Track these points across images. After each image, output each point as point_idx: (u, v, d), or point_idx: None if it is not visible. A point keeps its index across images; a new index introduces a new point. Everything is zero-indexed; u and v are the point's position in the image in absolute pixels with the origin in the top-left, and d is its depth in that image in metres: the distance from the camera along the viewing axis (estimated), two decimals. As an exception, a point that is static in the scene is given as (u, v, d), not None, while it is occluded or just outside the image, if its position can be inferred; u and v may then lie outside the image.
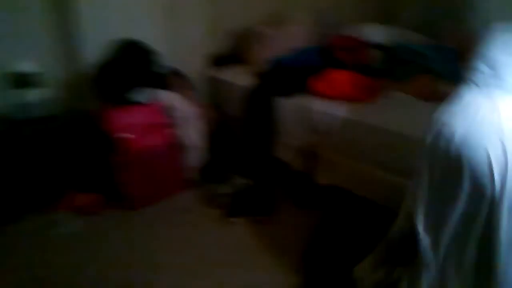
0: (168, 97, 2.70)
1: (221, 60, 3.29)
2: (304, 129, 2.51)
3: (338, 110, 2.37)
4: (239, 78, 3.02)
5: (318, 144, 2.47)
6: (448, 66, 2.50)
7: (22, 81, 2.52)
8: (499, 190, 1.20)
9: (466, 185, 1.25)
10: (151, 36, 2.80)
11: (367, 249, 2.04)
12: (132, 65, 2.65)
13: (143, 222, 2.50)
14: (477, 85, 1.37)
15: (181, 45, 3.02)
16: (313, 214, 2.46)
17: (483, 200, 1.23)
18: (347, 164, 2.37)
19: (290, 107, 2.59)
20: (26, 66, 2.52)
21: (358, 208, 2.26)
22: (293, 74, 2.72)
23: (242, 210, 2.55)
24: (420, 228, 1.38)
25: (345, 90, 2.44)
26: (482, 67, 1.36)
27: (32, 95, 2.53)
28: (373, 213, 2.23)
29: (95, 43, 2.65)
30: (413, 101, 2.40)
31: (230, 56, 3.33)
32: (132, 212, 2.58)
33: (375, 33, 3.07)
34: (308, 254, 2.11)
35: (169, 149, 2.68)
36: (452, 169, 1.28)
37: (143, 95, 2.61)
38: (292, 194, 2.70)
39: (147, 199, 2.64)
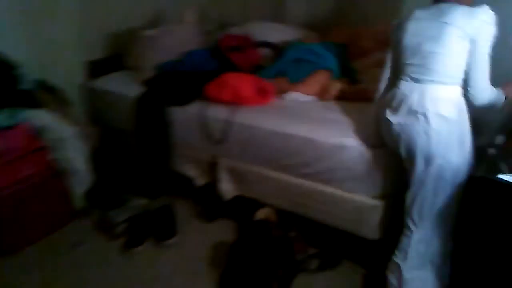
0: (39, 117, 2.30)
1: (102, 68, 2.92)
2: (204, 139, 2.33)
3: (236, 116, 2.23)
4: (125, 87, 2.70)
5: (220, 154, 2.31)
6: (339, 63, 2.52)
7: None
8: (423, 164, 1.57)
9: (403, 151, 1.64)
10: (9, 45, 2.34)
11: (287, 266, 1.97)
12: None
13: (23, 268, 2.09)
14: (411, 79, 1.56)
15: (50, 53, 2.58)
16: (223, 226, 2.35)
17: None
18: (252, 172, 2.26)
19: (186, 117, 2.38)
20: None
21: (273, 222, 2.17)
22: (186, 80, 2.51)
23: (143, 235, 2.29)
24: None
25: (241, 94, 2.30)
26: (410, 59, 1.55)
27: None
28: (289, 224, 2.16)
29: None
30: (309, 100, 2.36)
31: (113, 62, 2.98)
32: (8, 257, 2.15)
33: (265, 31, 3.00)
34: (226, 281, 1.96)
35: (46, 178, 2.29)
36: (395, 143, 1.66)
37: (6, 118, 2.18)
38: (198, 208, 2.51)
39: (26, 240, 2.24)
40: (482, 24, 1.44)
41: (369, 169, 1.88)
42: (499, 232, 1.46)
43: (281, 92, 2.41)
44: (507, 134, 1.68)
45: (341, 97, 2.33)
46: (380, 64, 2.42)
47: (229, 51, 2.72)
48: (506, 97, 1.60)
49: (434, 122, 1.50)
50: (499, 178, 1.39)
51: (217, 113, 2.29)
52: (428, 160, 1.56)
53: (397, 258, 1.74)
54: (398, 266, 1.73)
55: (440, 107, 1.50)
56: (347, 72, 2.47)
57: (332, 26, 2.95)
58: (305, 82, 2.42)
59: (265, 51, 2.81)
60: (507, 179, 1.37)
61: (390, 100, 1.64)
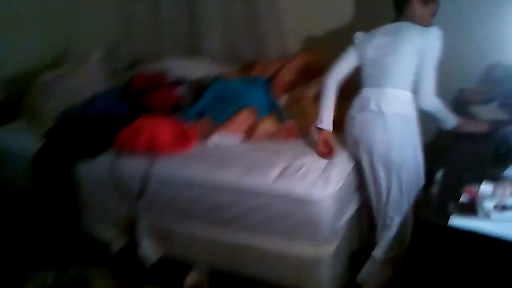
0: None
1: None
2: (118, 196, 2.04)
3: (154, 167, 1.96)
4: (21, 140, 2.34)
5: (139, 212, 2.01)
6: (263, 99, 2.36)
7: None
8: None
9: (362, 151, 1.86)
10: None
11: None
12: None
13: None
14: (369, 86, 1.84)
15: None
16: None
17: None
18: (177, 229, 2.02)
19: (95, 171, 2.10)
20: None
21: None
22: (93, 128, 2.21)
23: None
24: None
25: (159, 141, 2.05)
26: (372, 70, 1.83)
27: None
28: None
29: None
30: (236, 142, 2.15)
31: (5, 111, 2.57)
32: None
33: (181, 67, 2.76)
34: None
35: None
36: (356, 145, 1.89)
37: None
38: (118, 276, 2.17)
39: None
40: (432, 43, 1.73)
41: (313, 214, 1.71)
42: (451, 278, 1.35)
43: (205, 135, 2.18)
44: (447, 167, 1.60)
45: (270, 136, 2.16)
46: (304, 99, 2.33)
47: (141, 92, 2.44)
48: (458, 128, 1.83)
49: (391, 119, 1.75)
50: (449, 224, 1.27)
51: (132, 165, 2.02)
52: (387, 158, 1.76)
53: (377, 253, 1.88)
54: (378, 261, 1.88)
55: (395, 106, 1.76)
56: (273, 109, 2.31)
57: (252, 59, 2.80)
58: (230, 122, 2.22)
59: (183, 90, 2.57)
60: (459, 225, 1.25)
61: (354, 104, 1.87)
